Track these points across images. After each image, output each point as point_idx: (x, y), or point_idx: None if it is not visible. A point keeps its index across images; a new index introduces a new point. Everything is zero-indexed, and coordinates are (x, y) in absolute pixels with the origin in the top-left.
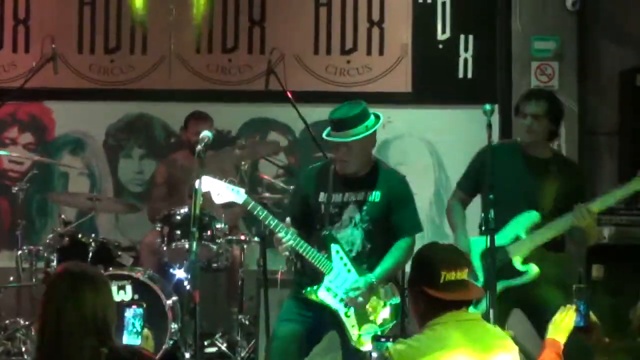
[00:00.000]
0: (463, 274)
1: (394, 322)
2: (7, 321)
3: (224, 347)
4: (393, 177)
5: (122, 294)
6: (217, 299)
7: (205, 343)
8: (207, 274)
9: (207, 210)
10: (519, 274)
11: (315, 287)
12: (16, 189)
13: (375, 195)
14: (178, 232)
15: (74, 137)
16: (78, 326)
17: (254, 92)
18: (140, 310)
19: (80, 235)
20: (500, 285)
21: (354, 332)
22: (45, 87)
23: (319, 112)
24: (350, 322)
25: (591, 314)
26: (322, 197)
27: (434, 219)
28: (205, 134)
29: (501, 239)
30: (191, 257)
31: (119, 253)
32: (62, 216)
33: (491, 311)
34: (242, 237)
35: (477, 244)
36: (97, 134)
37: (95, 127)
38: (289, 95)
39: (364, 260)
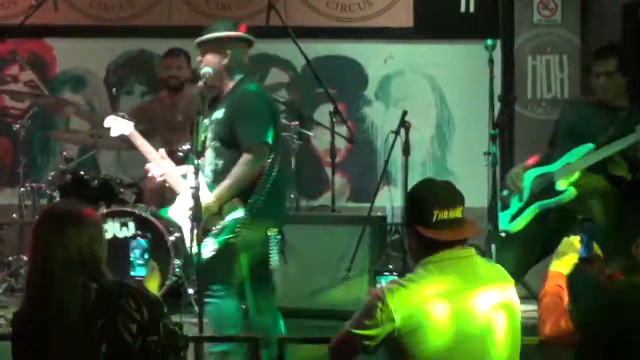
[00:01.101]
0: (457, 212)
1: (229, 235)
2: (10, 258)
3: None
4: (238, 94)
5: (125, 230)
6: None
7: None
8: None
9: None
10: (557, 194)
11: (167, 208)
12: (17, 126)
13: (221, 113)
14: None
15: (74, 74)
16: (65, 264)
17: (254, 27)
18: (144, 242)
19: (82, 172)
20: (535, 205)
21: (193, 245)
22: (46, 24)
23: (321, 48)
24: (191, 237)
25: (595, 245)
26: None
27: (435, 154)
28: (207, 70)
29: (553, 168)
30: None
31: (121, 190)
32: (64, 153)
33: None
34: None
35: (532, 173)
36: (98, 71)
37: (96, 64)
38: (290, 30)
39: (218, 178)
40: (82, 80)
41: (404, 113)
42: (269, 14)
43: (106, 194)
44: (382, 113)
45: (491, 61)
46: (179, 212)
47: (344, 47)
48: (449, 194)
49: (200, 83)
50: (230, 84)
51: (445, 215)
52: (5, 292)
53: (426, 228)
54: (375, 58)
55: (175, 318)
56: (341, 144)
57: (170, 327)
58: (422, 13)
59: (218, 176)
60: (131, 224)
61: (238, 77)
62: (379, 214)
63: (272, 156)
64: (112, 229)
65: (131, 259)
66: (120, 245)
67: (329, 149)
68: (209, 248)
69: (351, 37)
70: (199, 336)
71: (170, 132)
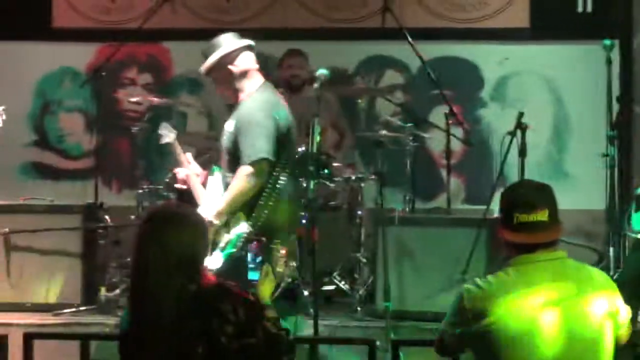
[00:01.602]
0: (540, 215)
1: (232, 249)
2: (128, 259)
3: (342, 284)
4: (245, 105)
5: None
6: (335, 237)
7: (324, 281)
8: (324, 213)
9: (324, 149)
10: None
11: None
12: (136, 129)
13: (230, 125)
14: (295, 170)
15: (191, 77)
16: (162, 265)
17: (370, 29)
18: (260, 246)
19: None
20: None
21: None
22: (163, 27)
23: (436, 49)
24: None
25: None
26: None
27: (552, 156)
28: (322, 72)
29: None
30: (309, 195)
31: None
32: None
33: None
34: (360, 175)
35: None
36: None
37: None
38: (405, 32)
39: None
40: (198, 83)
41: (520, 114)
42: (384, 15)
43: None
44: (497, 114)
45: (609, 61)
46: None
47: (459, 48)
48: (533, 197)
49: (316, 85)
50: (243, 96)
51: (525, 218)
52: (123, 293)
53: (508, 231)
54: (490, 59)
55: (290, 320)
56: (456, 146)
57: (272, 331)
58: (538, 13)
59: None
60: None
61: (250, 89)
62: (495, 216)
63: (277, 169)
64: None
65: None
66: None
67: (444, 151)
68: (216, 262)
69: (467, 38)
70: (314, 337)
71: None
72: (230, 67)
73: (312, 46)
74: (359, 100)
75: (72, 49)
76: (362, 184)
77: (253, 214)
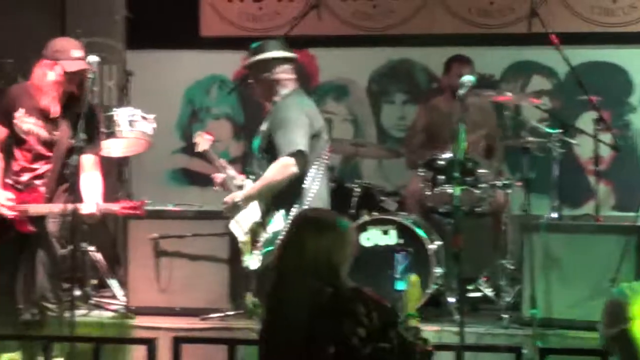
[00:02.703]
0: None
1: (270, 248)
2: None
3: (487, 291)
4: (278, 105)
5: (387, 238)
6: (481, 243)
7: (469, 288)
8: (470, 219)
9: (470, 155)
10: None
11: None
12: None
13: (264, 126)
14: (441, 177)
15: (337, 84)
16: (297, 268)
17: (516, 34)
18: (404, 256)
19: (344, 181)
20: None
21: (245, 256)
22: (309, 34)
23: (584, 54)
24: (245, 247)
25: None
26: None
27: None
28: (468, 78)
29: None
30: (454, 201)
31: (383, 198)
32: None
33: None
34: (507, 182)
35: None
36: (361, 80)
37: (359, 73)
38: (553, 37)
39: None
40: (344, 90)
41: None
42: (531, 20)
43: (368, 202)
44: None
45: None
46: (236, 224)
47: (608, 53)
48: None
49: (461, 91)
50: (277, 99)
51: None
52: None
53: None
54: None
55: (433, 327)
56: (605, 152)
57: (407, 339)
58: None
59: None
60: (393, 232)
61: (284, 93)
62: None
63: (312, 167)
64: (374, 237)
65: (393, 272)
66: (382, 254)
67: (593, 157)
68: (255, 260)
69: (615, 43)
70: (460, 345)
71: (435, 139)
72: (266, 74)
73: (458, 52)
74: (506, 107)
75: (219, 57)
76: (509, 191)
77: (290, 211)
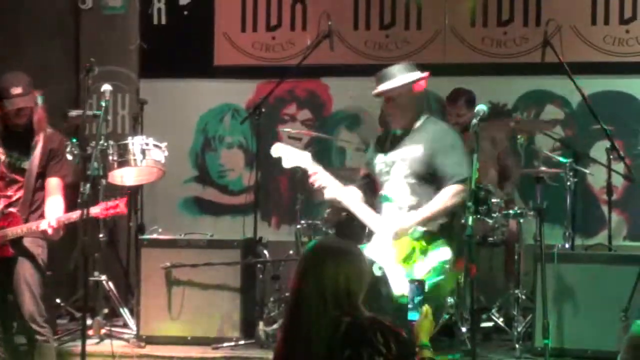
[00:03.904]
0: None
1: (438, 277)
2: (287, 294)
3: (500, 321)
4: (435, 130)
5: None
6: (494, 273)
7: (482, 317)
8: (483, 248)
9: (483, 184)
10: None
11: (363, 245)
12: None
13: (417, 150)
14: None
15: (350, 113)
16: (316, 297)
17: (530, 64)
18: (418, 286)
19: None
20: None
21: (395, 287)
22: (322, 63)
23: (597, 84)
24: (392, 276)
25: None
26: (377, 158)
27: None
28: (481, 107)
29: None
30: (467, 231)
31: None
32: None
33: None
34: (520, 211)
35: None
36: (373, 109)
37: (371, 103)
38: (566, 66)
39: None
40: (357, 119)
41: None
42: (544, 50)
43: None
44: None
45: None
46: (379, 251)
47: (621, 82)
48: None
49: (475, 121)
50: (417, 123)
51: None
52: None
53: None
54: None
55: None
56: (618, 182)
57: None
58: None
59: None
60: None
61: (424, 116)
62: None
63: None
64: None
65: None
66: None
67: (606, 187)
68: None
69: (629, 72)
70: None
71: None
72: (416, 92)
73: (472, 81)
74: (519, 137)
75: (233, 86)
76: (522, 220)
77: (453, 241)
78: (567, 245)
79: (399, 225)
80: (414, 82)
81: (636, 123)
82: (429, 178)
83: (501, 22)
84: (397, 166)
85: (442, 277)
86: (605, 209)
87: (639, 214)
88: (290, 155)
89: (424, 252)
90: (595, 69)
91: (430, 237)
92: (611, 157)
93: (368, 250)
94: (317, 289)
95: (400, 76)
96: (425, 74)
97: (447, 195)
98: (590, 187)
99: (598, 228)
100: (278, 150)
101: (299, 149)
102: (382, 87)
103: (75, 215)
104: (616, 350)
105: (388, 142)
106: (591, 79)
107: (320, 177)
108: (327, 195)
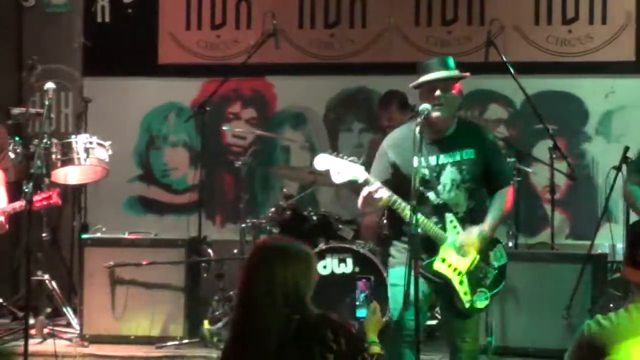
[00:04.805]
0: None
1: (502, 284)
2: (231, 292)
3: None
4: (481, 130)
5: (343, 266)
6: None
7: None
8: None
9: None
10: None
11: (431, 259)
12: (239, 163)
13: (470, 152)
14: None
15: (295, 112)
16: (266, 295)
17: (473, 64)
18: (366, 284)
19: (301, 209)
20: None
21: (467, 298)
22: (267, 62)
23: (540, 83)
24: (463, 288)
25: None
26: (416, 162)
27: None
28: (425, 107)
29: None
30: (412, 229)
31: (340, 226)
32: (284, 190)
33: None
34: None
35: None
36: (318, 108)
37: (316, 101)
38: (509, 66)
39: (469, 220)
40: (302, 118)
41: (626, 149)
42: (488, 50)
43: (325, 230)
44: (602, 149)
45: None
46: (445, 264)
47: (564, 82)
48: None
49: (419, 119)
50: (455, 121)
51: None
52: (225, 326)
53: (630, 268)
54: (596, 93)
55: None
56: (561, 181)
57: None
58: None
59: (475, 217)
60: (349, 261)
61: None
62: (599, 251)
63: None
64: (331, 265)
65: (351, 300)
66: (340, 282)
67: (549, 186)
68: (483, 299)
69: (571, 72)
70: None
71: None
72: (460, 90)
73: (415, 80)
74: None
75: (177, 85)
76: None
77: (504, 246)
78: (510, 244)
79: (478, 235)
80: (462, 76)
81: (579, 122)
82: (483, 181)
83: (445, 22)
84: (449, 171)
85: (504, 283)
86: (548, 207)
87: (581, 213)
88: (341, 168)
89: (486, 261)
90: (538, 69)
91: (490, 244)
92: (554, 156)
93: (437, 265)
94: (267, 287)
95: (454, 69)
96: (467, 73)
97: (508, 199)
98: (534, 186)
99: (541, 227)
100: (324, 162)
101: (348, 160)
102: (442, 74)
103: (18, 204)
104: (559, 348)
105: (422, 145)
106: (534, 78)
107: (382, 193)
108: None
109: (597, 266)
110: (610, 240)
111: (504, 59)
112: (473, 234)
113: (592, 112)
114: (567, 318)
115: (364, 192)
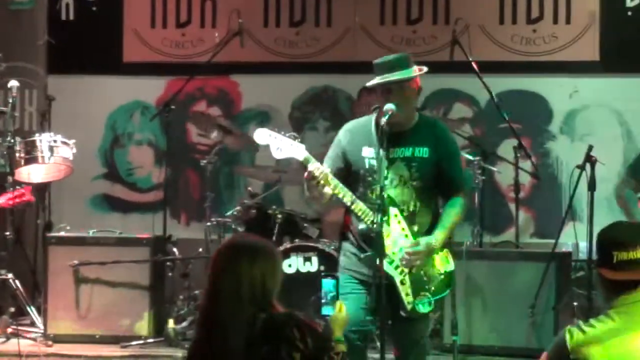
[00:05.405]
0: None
1: (448, 290)
2: (196, 291)
3: None
4: (440, 130)
5: (308, 265)
6: None
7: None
8: None
9: None
10: None
11: (370, 254)
12: (205, 162)
13: (424, 151)
14: None
15: (259, 110)
16: (233, 294)
17: (438, 63)
18: (332, 282)
19: (266, 208)
20: None
21: (408, 299)
22: (232, 61)
23: (505, 82)
24: (404, 289)
25: None
26: (365, 152)
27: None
28: (389, 106)
29: None
30: (375, 228)
31: (305, 225)
32: (249, 188)
33: None
34: None
35: None
36: (283, 107)
37: (281, 100)
38: (474, 65)
39: (415, 220)
40: (266, 116)
41: (590, 148)
42: (453, 49)
43: (290, 229)
44: (567, 148)
45: None
46: (387, 261)
47: (528, 82)
48: (630, 236)
49: (384, 119)
50: (414, 120)
51: (625, 256)
52: (191, 325)
53: (607, 269)
54: (560, 92)
55: None
56: (525, 179)
57: None
58: (608, 46)
59: (415, 218)
60: (315, 259)
61: (417, 114)
62: (563, 250)
63: None
64: (296, 264)
65: (316, 298)
66: (305, 280)
67: (513, 184)
68: (427, 304)
69: (536, 71)
70: None
71: None
72: (418, 86)
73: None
74: None
75: (142, 83)
76: None
77: (453, 252)
78: (475, 243)
79: (429, 244)
80: (418, 75)
81: (543, 121)
82: (433, 183)
83: (410, 21)
84: (398, 166)
85: (450, 289)
86: (512, 206)
87: (546, 212)
88: (281, 144)
89: (432, 265)
90: (503, 68)
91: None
92: (518, 155)
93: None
94: (233, 286)
95: (409, 67)
96: (425, 68)
97: (462, 207)
98: (498, 185)
99: (506, 225)
100: (264, 137)
101: (289, 137)
102: (394, 75)
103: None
104: (524, 346)
105: (376, 137)
106: (499, 77)
107: (321, 170)
108: (326, 191)
109: (561, 264)
110: (574, 238)
111: (469, 57)
112: (421, 247)
113: (556, 111)
114: (531, 316)
115: (305, 174)
